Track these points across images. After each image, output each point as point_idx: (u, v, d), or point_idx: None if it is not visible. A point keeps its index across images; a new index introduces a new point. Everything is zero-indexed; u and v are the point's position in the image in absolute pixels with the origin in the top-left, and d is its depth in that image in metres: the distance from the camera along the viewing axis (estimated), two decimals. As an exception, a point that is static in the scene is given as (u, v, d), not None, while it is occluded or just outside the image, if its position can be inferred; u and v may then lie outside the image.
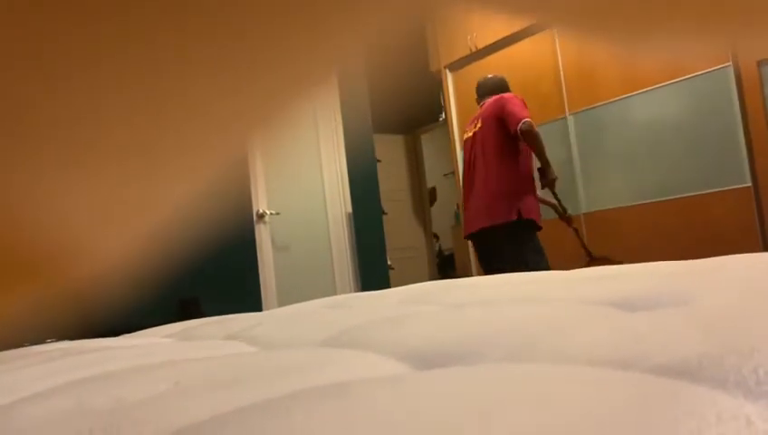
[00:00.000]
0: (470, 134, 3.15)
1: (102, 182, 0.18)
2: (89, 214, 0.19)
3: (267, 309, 3.39)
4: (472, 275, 4.26)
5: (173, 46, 0.15)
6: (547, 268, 2.86)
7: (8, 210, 0.17)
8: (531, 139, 2.92)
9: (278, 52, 0.16)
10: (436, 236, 6.58)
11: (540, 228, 3.04)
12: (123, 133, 0.17)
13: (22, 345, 1.27)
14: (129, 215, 0.20)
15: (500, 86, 3.21)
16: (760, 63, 3.25)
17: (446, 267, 6.37)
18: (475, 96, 3.31)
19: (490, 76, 3.33)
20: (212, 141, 0.19)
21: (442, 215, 6.55)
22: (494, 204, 2.96)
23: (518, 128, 2.90)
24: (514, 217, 2.92)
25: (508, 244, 2.95)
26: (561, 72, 4.13)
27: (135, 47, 0.15)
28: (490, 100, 3.14)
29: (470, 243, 3.40)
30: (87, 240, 0.20)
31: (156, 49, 0.15)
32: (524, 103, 3.03)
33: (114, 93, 0.16)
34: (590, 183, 4.03)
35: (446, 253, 6.41)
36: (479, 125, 3.10)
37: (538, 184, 3.12)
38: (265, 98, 0.18)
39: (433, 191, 6.55)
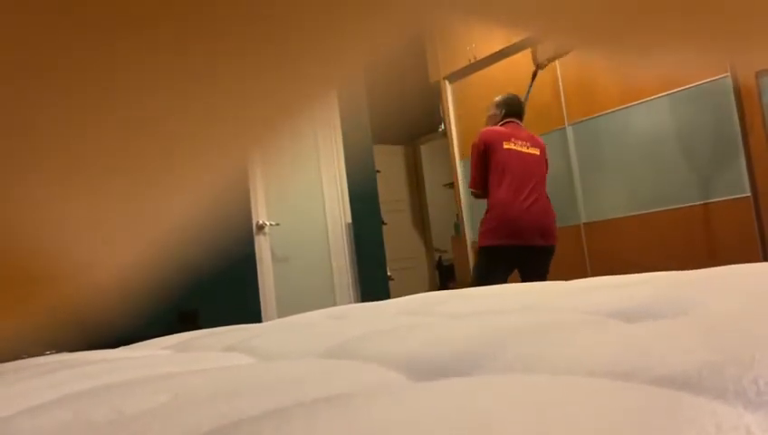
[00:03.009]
0: (522, 149, 3.18)
1: (103, 198, 0.18)
2: (89, 229, 0.19)
3: (267, 320, 3.39)
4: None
5: (174, 65, 0.15)
6: None
7: (8, 226, 0.18)
8: None
9: (279, 72, 0.16)
10: (438, 251, 6.58)
11: None
12: (123, 150, 0.17)
13: (20, 357, 1.26)
14: (129, 229, 0.20)
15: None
16: (758, 74, 3.26)
17: (445, 278, 6.36)
18: (510, 111, 3.29)
19: (517, 97, 3.38)
20: (212, 158, 0.19)
21: (441, 225, 6.54)
22: (551, 228, 3.18)
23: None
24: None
25: (547, 263, 3.18)
26: (561, 83, 4.14)
27: (136, 65, 0.15)
28: (530, 134, 3.25)
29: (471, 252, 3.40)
30: (87, 255, 0.20)
31: (157, 67, 0.15)
32: None
33: (114, 111, 0.16)
34: (590, 193, 4.03)
35: (446, 263, 6.40)
36: (534, 150, 3.19)
37: None
38: (266, 116, 0.18)
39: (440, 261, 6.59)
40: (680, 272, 1.21)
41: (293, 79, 0.17)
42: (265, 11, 0.15)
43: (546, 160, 3.23)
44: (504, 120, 3.25)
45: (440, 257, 6.54)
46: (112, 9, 0.14)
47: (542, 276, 3.07)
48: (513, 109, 3.28)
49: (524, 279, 3.14)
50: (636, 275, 1.30)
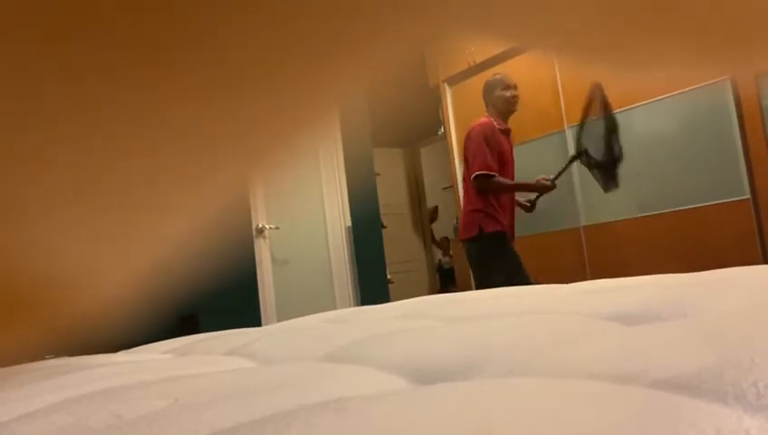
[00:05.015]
0: None
1: (104, 206, 0.18)
2: (92, 236, 0.19)
3: (266, 324, 3.38)
4: (472, 289, 4.25)
5: (177, 90, 0.15)
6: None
7: (11, 238, 0.18)
8: (485, 191, 2.99)
9: (281, 95, 0.17)
10: (438, 245, 6.56)
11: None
12: (126, 171, 0.17)
13: (20, 362, 1.26)
14: (131, 245, 0.20)
15: (485, 100, 3.14)
16: (758, 76, 3.26)
17: (445, 281, 6.36)
18: None
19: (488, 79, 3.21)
20: (214, 178, 0.19)
21: (442, 228, 6.55)
22: (462, 221, 3.11)
23: (472, 184, 3.02)
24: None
25: (470, 258, 3.09)
26: (560, 85, 4.14)
27: (138, 87, 0.15)
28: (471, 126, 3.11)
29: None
30: (89, 262, 0.20)
31: (158, 91, 0.15)
32: (485, 140, 2.98)
33: (116, 134, 0.16)
34: (590, 196, 4.03)
35: (446, 266, 6.40)
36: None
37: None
38: (268, 138, 0.18)
39: (435, 211, 6.55)
40: (680, 275, 1.21)
41: (297, 97, 0.17)
42: (269, 33, 0.15)
43: (464, 150, 3.08)
44: None
45: (440, 260, 6.55)
46: (114, 35, 0.14)
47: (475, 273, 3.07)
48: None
49: None
50: (635, 278, 1.30)
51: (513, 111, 3.07)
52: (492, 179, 2.96)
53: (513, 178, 3.08)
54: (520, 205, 3.14)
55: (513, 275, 2.87)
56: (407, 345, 0.70)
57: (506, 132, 3.05)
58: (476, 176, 2.97)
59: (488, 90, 3.12)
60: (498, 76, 3.14)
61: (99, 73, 0.14)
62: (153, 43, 0.14)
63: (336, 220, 4.19)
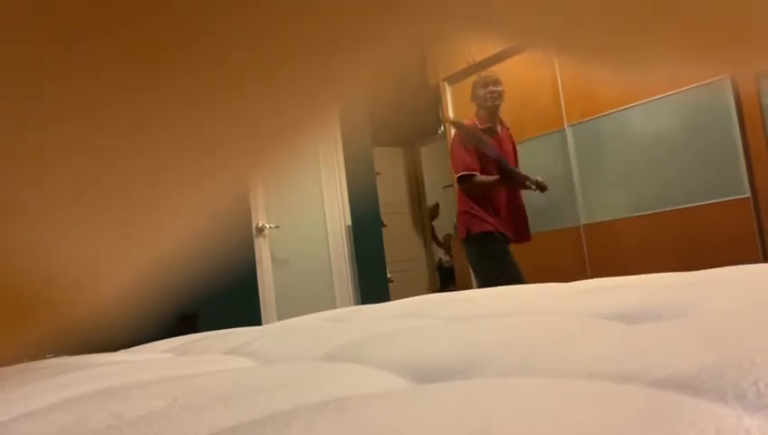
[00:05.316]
0: None
1: (104, 206, 0.18)
2: (91, 235, 0.19)
3: (266, 323, 3.38)
4: (472, 288, 4.25)
5: (177, 90, 0.15)
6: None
7: (10, 237, 0.18)
8: (470, 191, 3.04)
9: (281, 95, 0.17)
10: (441, 244, 6.55)
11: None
12: (125, 171, 0.17)
13: (20, 361, 1.26)
14: (131, 245, 0.20)
15: (473, 101, 3.16)
16: (758, 75, 3.26)
17: (446, 280, 6.36)
18: None
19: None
20: (214, 178, 0.19)
21: (443, 226, 6.55)
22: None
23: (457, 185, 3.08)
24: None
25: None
26: (560, 84, 4.14)
27: (138, 87, 0.15)
28: None
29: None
30: (89, 262, 0.20)
31: (158, 91, 0.15)
32: (461, 143, 3.02)
33: (116, 134, 0.16)
34: (589, 195, 4.03)
35: (446, 265, 6.40)
36: None
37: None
38: (268, 138, 0.18)
39: (435, 208, 6.55)
40: (680, 274, 1.21)
41: (297, 98, 0.17)
42: (269, 34, 0.15)
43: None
44: None
45: (441, 259, 6.55)
46: (114, 35, 0.14)
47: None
48: None
49: None
50: (635, 276, 1.30)
51: (496, 106, 3.07)
52: (473, 179, 3.01)
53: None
54: (529, 188, 3.14)
55: (502, 274, 2.90)
56: (407, 345, 0.70)
57: (490, 131, 3.05)
58: (459, 178, 3.04)
59: (472, 91, 3.17)
60: (482, 75, 3.18)
61: (99, 73, 0.14)
62: (153, 44, 0.14)
63: (336, 219, 4.19)
